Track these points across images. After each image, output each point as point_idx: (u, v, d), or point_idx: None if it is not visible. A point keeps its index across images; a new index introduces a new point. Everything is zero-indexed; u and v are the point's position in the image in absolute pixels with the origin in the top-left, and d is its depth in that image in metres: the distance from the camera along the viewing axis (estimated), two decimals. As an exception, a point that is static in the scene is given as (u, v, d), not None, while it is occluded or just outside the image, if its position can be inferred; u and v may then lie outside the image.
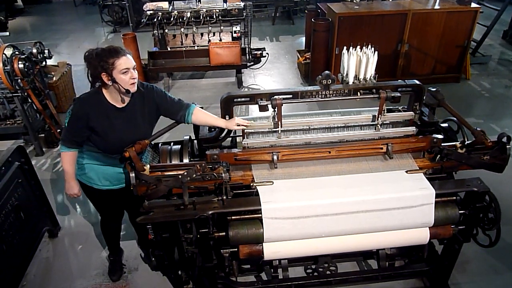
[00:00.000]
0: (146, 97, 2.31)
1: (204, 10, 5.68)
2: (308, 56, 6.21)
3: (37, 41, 4.41)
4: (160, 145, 2.45)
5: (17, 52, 4.11)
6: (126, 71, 2.11)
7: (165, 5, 5.73)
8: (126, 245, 3.24)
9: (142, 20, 5.87)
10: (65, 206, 3.76)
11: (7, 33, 5.56)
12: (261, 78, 6.46)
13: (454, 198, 2.24)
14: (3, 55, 3.95)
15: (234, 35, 6.00)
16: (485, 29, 6.47)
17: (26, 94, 4.23)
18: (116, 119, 2.26)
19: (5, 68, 3.94)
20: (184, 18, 5.66)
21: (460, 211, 2.23)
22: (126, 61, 2.11)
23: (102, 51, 2.13)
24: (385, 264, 2.70)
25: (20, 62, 4.02)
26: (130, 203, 2.70)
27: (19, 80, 4.09)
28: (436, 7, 5.47)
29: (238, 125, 2.21)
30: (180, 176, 2.02)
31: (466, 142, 2.23)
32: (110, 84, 2.15)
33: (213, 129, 2.42)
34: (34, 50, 4.27)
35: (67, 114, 2.38)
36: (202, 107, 2.38)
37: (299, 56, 6.57)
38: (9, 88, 4.10)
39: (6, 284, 2.78)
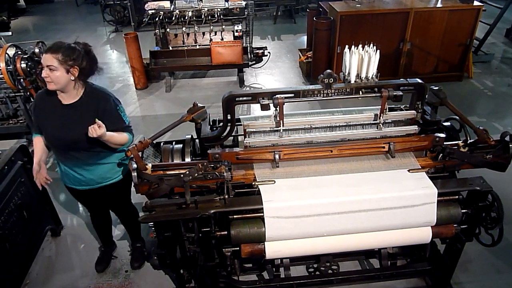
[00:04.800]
0: (93, 103, 2.36)
1: (206, 9, 5.68)
2: (309, 55, 6.20)
3: (40, 40, 4.43)
4: (162, 144, 2.46)
5: (19, 52, 4.13)
6: (43, 67, 2.24)
7: (166, 4, 5.73)
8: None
9: (143, 20, 5.88)
10: (67, 205, 3.77)
11: (10, 33, 5.59)
12: (263, 77, 6.45)
13: (457, 197, 2.24)
14: (6, 54, 3.96)
15: (236, 34, 5.99)
16: (487, 27, 6.44)
17: (28, 93, 4.25)
18: (57, 114, 2.36)
19: (8, 67, 3.96)
20: (186, 17, 5.66)
21: (462, 210, 2.22)
22: (43, 59, 2.23)
23: None
24: (387, 263, 2.70)
25: (22, 62, 4.04)
26: (103, 203, 2.83)
27: (21, 80, 4.11)
28: (439, 5, 5.46)
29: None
30: (182, 175, 2.03)
31: (469, 141, 2.23)
32: None
33: (215, 128, 2.42)
34: (37, 50, 4.29)
35: None
36: (203, 107, 2.37)
37: (300, 55, 6.56)
38: (11, 88, 4.12)
39: (9, 282, 2.79)
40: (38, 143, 2.52)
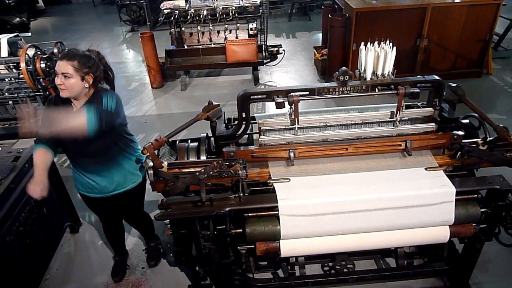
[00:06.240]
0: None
1: (221, 7, 5.70)
2: (325, 53, 6.15)
3: (58, 41, 4.50)
4: (177, 142, 2.48)
5: (39, 52, 4.21)
6: (57, 74, 2.24)
7: (182, 3, 5.77)
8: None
9: (159, 19, 5.94)
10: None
11: (30, 34, 5.69)
12: (278, 75, 6.44)
13: (475, 196, 2.19)
14: (26, 55, 4.05)
15: (251, 32, 5.99)
16: (508, 22, 6.28)
17: (48, 93, 4.33)
18: None
19: (28, 67, 4.04)
20: (201, 16, 5.69)
21: (481, 210, 2.18)
22: (58, 66, 2.24)
23: None
24: (404, 263, 2.67)
25: (42, 62, 4.12)
26: (115, 211, 2.78)
27: (41, 79, 4.20)
28: (457, 0, 5.34)
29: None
30: (197, 173, 2.04)
31: (488, 139, 2.18)
32: None
33: (230, 126, 2.43)
34: (55, 50, 4.36)
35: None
36: (218, 105, 2.37)
37: (315, 52, 6.52)
38: (31, 87, 4.21)
39: (30, 277, 2.86)
40: (40, 156, 2.32)
